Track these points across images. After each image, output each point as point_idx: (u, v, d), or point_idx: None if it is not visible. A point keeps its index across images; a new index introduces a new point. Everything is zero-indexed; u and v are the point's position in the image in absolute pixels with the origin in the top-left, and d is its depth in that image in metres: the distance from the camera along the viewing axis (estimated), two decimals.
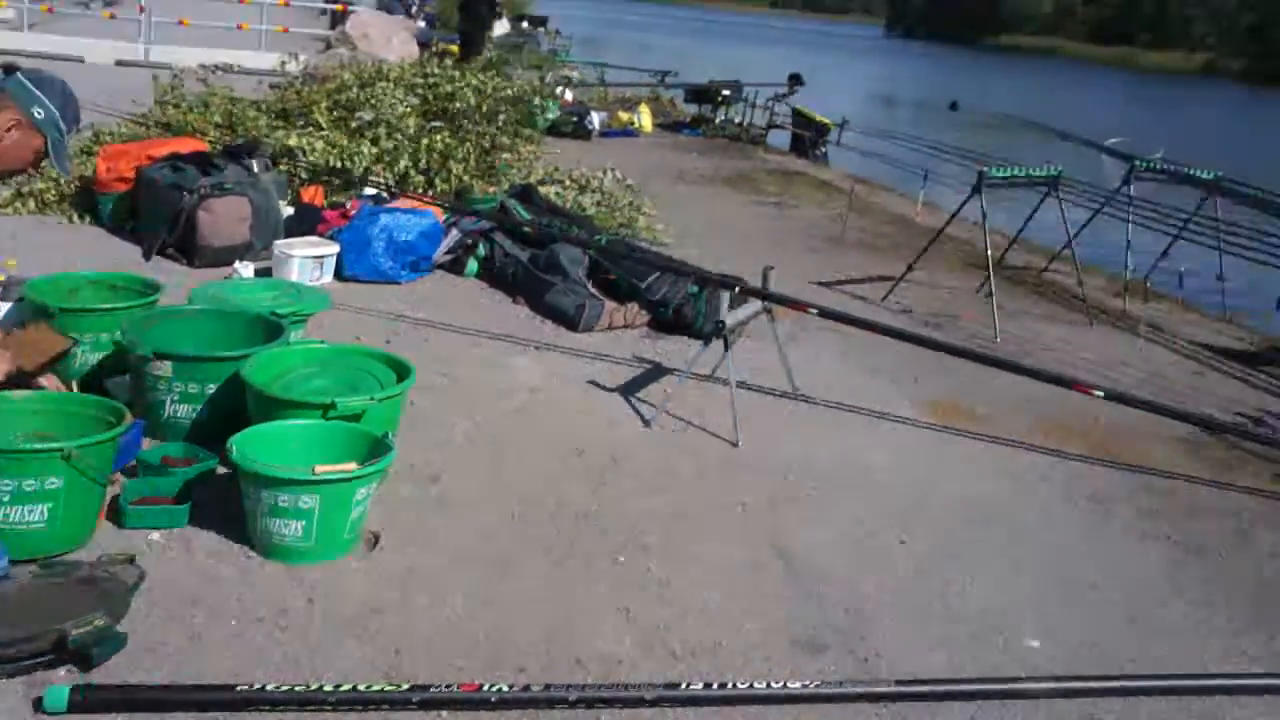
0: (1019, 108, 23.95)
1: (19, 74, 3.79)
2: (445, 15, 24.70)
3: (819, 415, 5.45)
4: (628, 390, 5.40)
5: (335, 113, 8.60)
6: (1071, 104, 40.07)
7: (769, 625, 3.48)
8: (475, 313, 6.36)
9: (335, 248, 6.50)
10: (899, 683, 3.20)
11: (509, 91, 9.67)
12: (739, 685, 3.06)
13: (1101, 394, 5.24)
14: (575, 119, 14.26)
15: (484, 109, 9.07)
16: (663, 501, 4.27)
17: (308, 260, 6.34)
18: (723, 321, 4.98)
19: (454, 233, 7.02)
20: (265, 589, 3.28)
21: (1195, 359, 7.34)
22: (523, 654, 3.14)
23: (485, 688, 2.88)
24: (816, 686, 3.11)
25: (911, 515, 4.43)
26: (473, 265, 7.01)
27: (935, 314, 7.62)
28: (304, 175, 7.61)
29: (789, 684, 3.10)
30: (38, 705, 2.66)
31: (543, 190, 8.37)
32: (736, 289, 5.35)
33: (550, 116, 13.67)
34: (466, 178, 8.25)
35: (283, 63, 10.98)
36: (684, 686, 3.03)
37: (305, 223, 6.90)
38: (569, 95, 16.07)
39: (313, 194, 7.37)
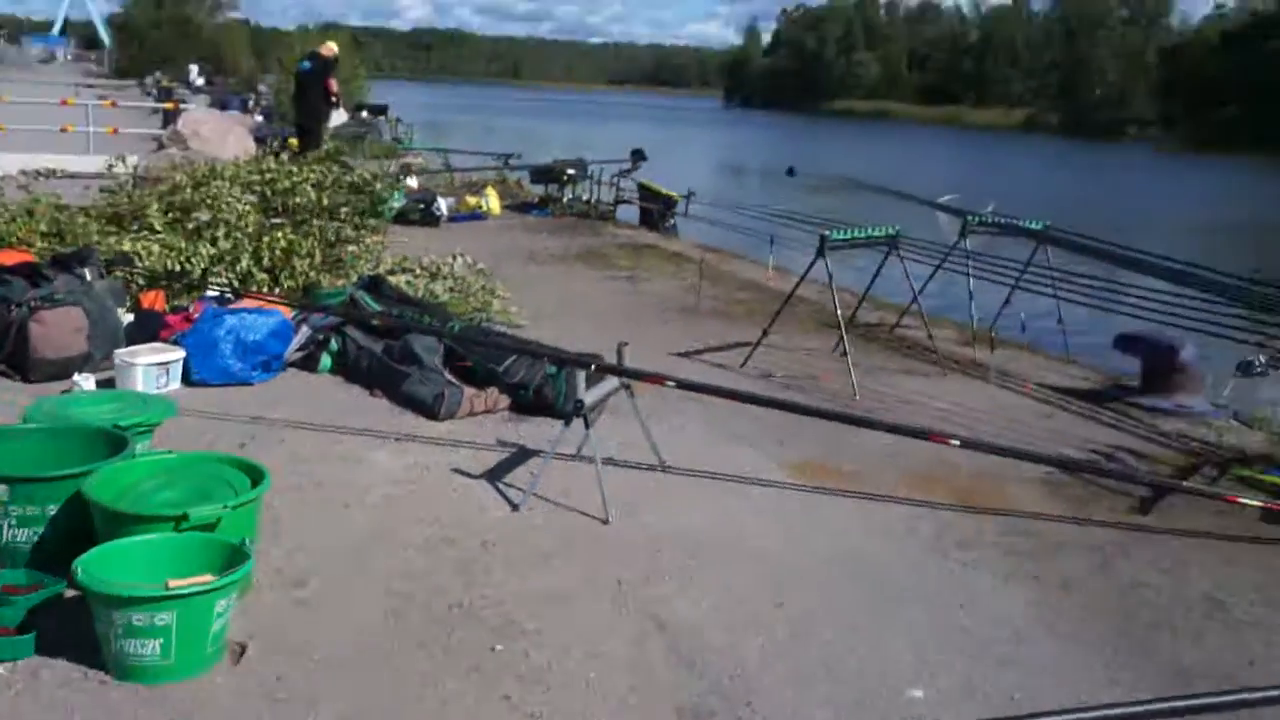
0: (856, 170, 24.72)
1: None
2: (283, 109, 24.46)
3: (687, 486, 5.46)
4: (493, 475, 5.34)
5: (170, 215, 8.39)
6: (905, 163, 41.68)
7: (653, 698, 3.45)
8: (333, 409, 6.22)
9: (180, 353, 6.31)
10: None
11: (349, 179, 9.56)
12: None
13: (958, 443, 5.37)
14: (422, 206, 14.20)
15: (325, 202, 8.96)
16: (537, 585, 4.21)
17: (152, 368, 6.14)
18: (581, 401, 4.97)
19: (304, 329, 6.88)
20: (124, 715, 3.11)
21: (1046, 401, 7.59)
22: None
23: None
24: None
25: (786, 577, 4.45)
26: (326, 361, 6.88)
27: (794, 376, 7.74)
28: (141, 281, 7.38)
29: None
30: None
31: (393, 280, 8.29)
32: (593, 367, 5.35)
33: (396, 205, 13.59)
34: (313, 273, 8.12)
35: (110, 165, 10.66)
36: None
37: (147, 329, 6.70)
38: (414, 182, 16.02)
39: (153, 299, 7.16)
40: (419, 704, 3.33)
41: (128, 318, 6.84)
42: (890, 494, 5.49)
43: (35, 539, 3.89)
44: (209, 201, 8.40)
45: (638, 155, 17.44)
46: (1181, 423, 7.10)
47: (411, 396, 6.30)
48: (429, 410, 6.17)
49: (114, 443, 4.22)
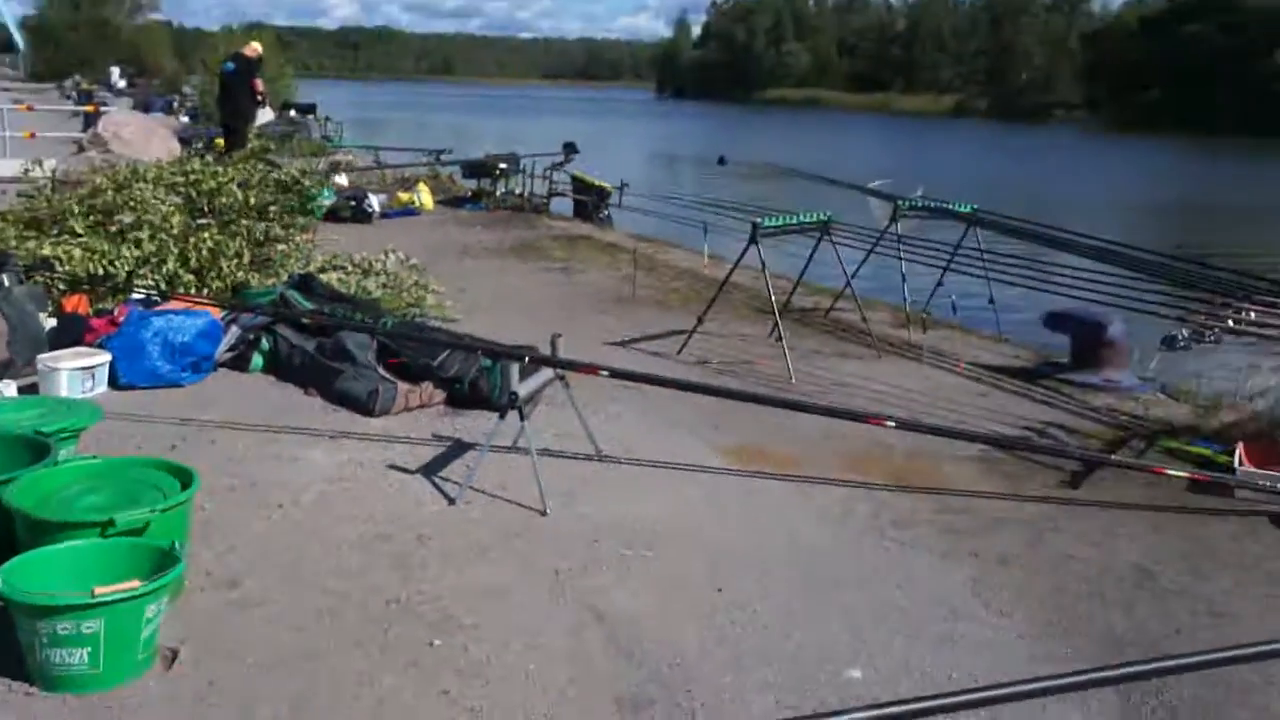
0: (788, 157, 24.86)
1: None
2: (208, 109, 24.07)
3: (625, 475, 5.45)
4: (430, 470, 5.29)
5: (92, 218, 8.21)
6: (836, 150, 41.99)
7: (592, 689, 3.44)
8: (265, 408, 6.14)
9: (106, 356, 6.20)
10: None
11: (277, 177, 9.43)
12: None
13: (893, 424, 5.41)
14: (353, 203, 14.06)
15: (253, 201, 8.83)
16: (475, 578, 4.18)
17: (76, 372, 6.02)
18: (515, 393, 4.95)
19: (234, 329, 6.79)
20: None
21: (979, 380, 7.68)
22: None
23: None
24: None
25: (724, 563, 4.46)
26: (258, 360, 6.78)
27: (730, 362, 7.76)
28: (63, 285, 7.23)
29: None
30: None
31: (325, 277, 8.19)
32: (526, 359, 5.33)
33: (326, 203, 13.44)
34: (241, 273, 8.00)
35: (26, 170, 10.42)
36: None
37: (70, 334, 6.56)
38: (344, 180, 15.84)
39: (76, 303, 7.01)
40: (356, 702, 3.29)
41: (50, 323, 6.69)
42: (827, 476, 5.52)
43: None
44: (132, 204, 8.24)
45: (569, 148, 17.39)
46: (1110, 397, 7.23)
47: (345, 393, 6.23)
48: (363, 407, 6.10)
49: (36, 449, 4.13)
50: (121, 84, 44.39)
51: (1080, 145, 57.52)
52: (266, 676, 3.38)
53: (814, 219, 8.26)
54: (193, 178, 9.03)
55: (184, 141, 17.01)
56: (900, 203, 9.33)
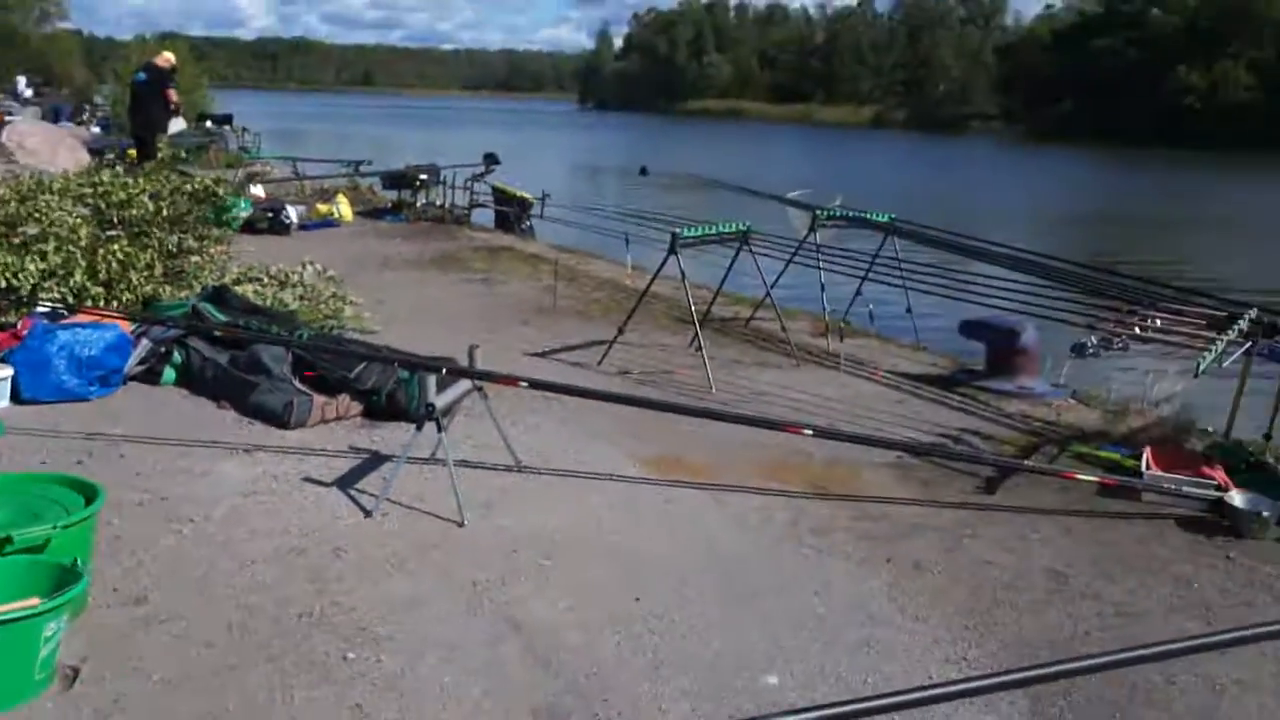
0: (710, 168, 25.00)
1: None
2: (120, 119, 23.59)
3: (544, 485, 5.43)
4: (346, 482, 5.22)
5: None
6: (758, 161, 42.38)
7: (509, 700, 3.41)
8: (177, 422, 6.02)
9: (9, 371, 6.04)
10: None
11: (190, 188, 9.24)
12: None
13: (810, 432, 5.45)
14: (270, 214, 13.85)
15: (165, 212, 8.65)
16: (391, 591, 4.14)
17: None
18: (432, 404, 4.90)
19: (144, 342, 6.65)
20: None
21: (896, 388, 7.77)
22: None
23: None
24: None
25: (643, 573, 4.45)
26: (169, 373, 6.65)
27: (651, 372, 7.77)
28: None
29: None
30: None
31: (240, 289, 8.05)
32: (444, 370, 5.28)
33: (243, 214, 13.23)
34: (152, 286, 7.83)
35: None
36: None
37: None
38: (261, 191, 15.62)
39: None
40: (266, 718, 3.23)
41: None
42: (746, 485, 5.54)
43: None
44: (37, 215, 8.03)
45: (490, 159, 17.30)
46: (1024, 404, 7.36)
47: (260, 406, 6.13)
48: (278, 419, 6.01)
49: None
50: (28, 93, 43.28)
51: (996, 156, 58.72)
52: (173, 694, 3.30)
53: (733, 229, 8.30)
54: (102, 189, 8.82)
55: (95, 152, 16.66)
56: (819, 212, 9.41)
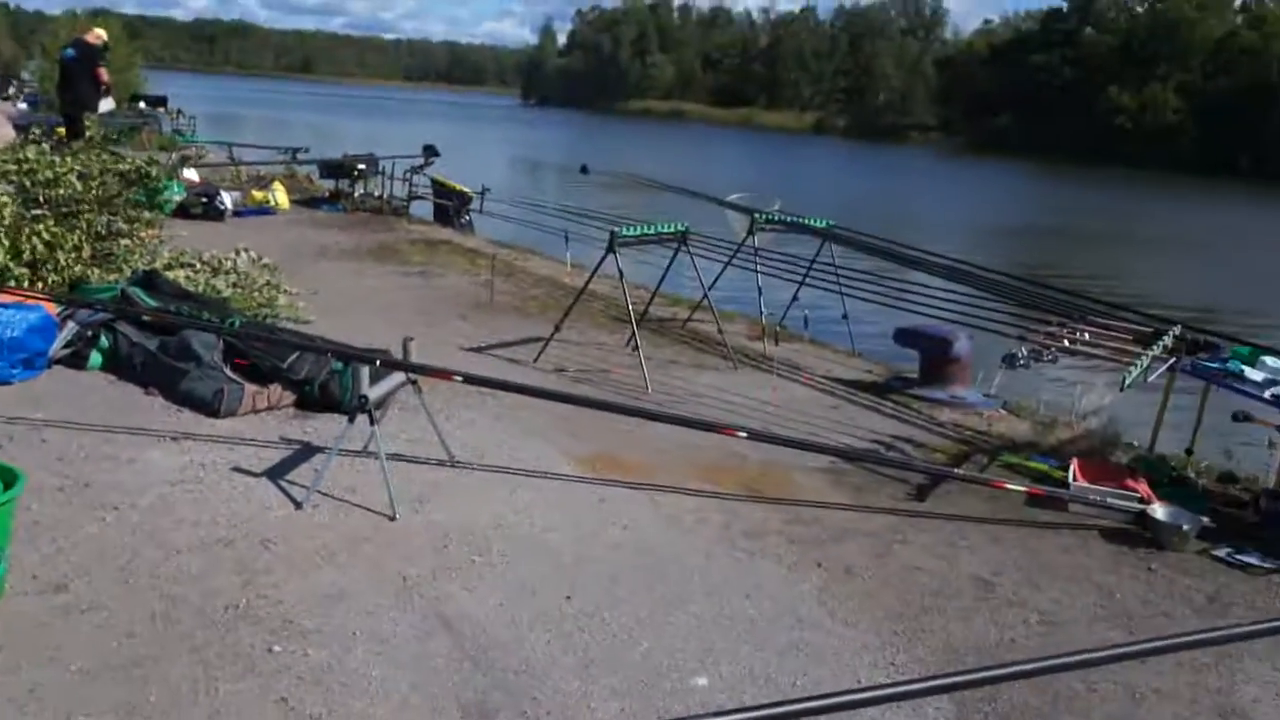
0: (651, 168, 25.01)
1: None
2: (49, 95, 23.07)
3: (477, 481, 5.39)
4: (276, 473, 5.15)
5: None
6: (699, 163, 42.52)
7: (437, 696, 3.39)
8: (103, 407, 5.89)
9: None
10: None
11: (121, 168, 9.04)
12: None
13: (745, 434, 5.47)
14: (205, 200, 13.62)
15: (95, 193, 8.46)
16: (320, 583, 4.09)
17: None
18: (365, 396, 4.85)
19: (70, 325, 6.50)
20: None
21: (831, 393, 7.83)
22: None
23: None
24: None
25: (575, 570, 4.44)
26: (96, 358, 6.51)
27: (587, 370, 7.75)
28: None
29: None
30: None
31: (172, 274, 7.90)
32: (377, 362, 5.23)
33: (176, 198, 13.00)
34: (80, 268, 7.66)
35: None
36: None
37: None
38: (195, 175, 15.35)
39: None
40: (189, 710, 3.18)
41: None
42: (680, 486, 5.55)
43: None
44: None
45: (430, 151, 17.16)
46: (956, 413, 7.45)
47: (189, 394, 6.02)
48: (208, 408, 5.91)
49: None
50: None
51: (935, 166, 59.48)
52: (92, 684, 3.23)
53: (672, 229, 8.31)
54: (27, 166, 8.60)
55: (21, 129, 16.23)
56: (757, 216, 9.45)
